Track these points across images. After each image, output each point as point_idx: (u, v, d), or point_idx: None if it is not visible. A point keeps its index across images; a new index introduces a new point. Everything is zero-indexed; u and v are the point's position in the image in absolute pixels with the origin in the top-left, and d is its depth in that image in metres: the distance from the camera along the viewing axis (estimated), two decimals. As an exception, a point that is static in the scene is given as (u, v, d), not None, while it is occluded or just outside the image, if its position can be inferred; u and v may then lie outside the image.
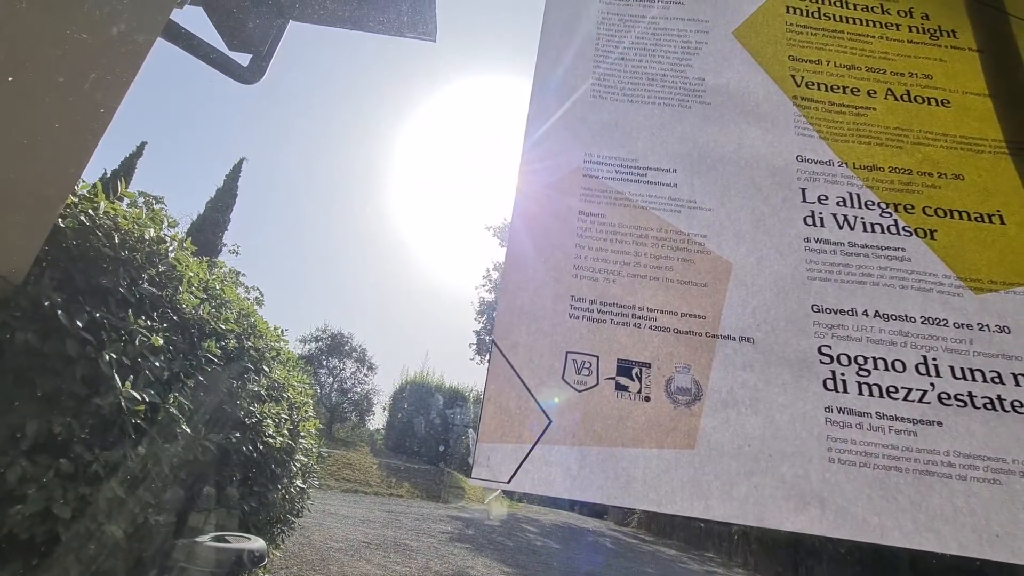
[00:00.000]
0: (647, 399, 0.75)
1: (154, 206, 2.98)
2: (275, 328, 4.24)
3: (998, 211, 0.88)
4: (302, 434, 4.14)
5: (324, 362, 19.24)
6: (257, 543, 2.70)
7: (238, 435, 3.02)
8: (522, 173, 0.89)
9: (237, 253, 6.56)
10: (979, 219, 0.87)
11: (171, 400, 2.49)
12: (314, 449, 4.60)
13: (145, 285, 2.55)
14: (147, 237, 2.66)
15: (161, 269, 2.76)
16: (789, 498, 0.69)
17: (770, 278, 0.83)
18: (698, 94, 0.97)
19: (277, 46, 3.40)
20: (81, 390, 2.08)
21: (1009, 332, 0.78)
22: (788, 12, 1.06)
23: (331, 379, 19.42)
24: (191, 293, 2.92)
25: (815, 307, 0.81)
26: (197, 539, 2.58)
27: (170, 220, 2.96)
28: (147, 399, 2.30)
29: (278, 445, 3.46)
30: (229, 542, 2.60)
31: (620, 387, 0.75)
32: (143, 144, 14.59)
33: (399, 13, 3.17)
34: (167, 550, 2.57)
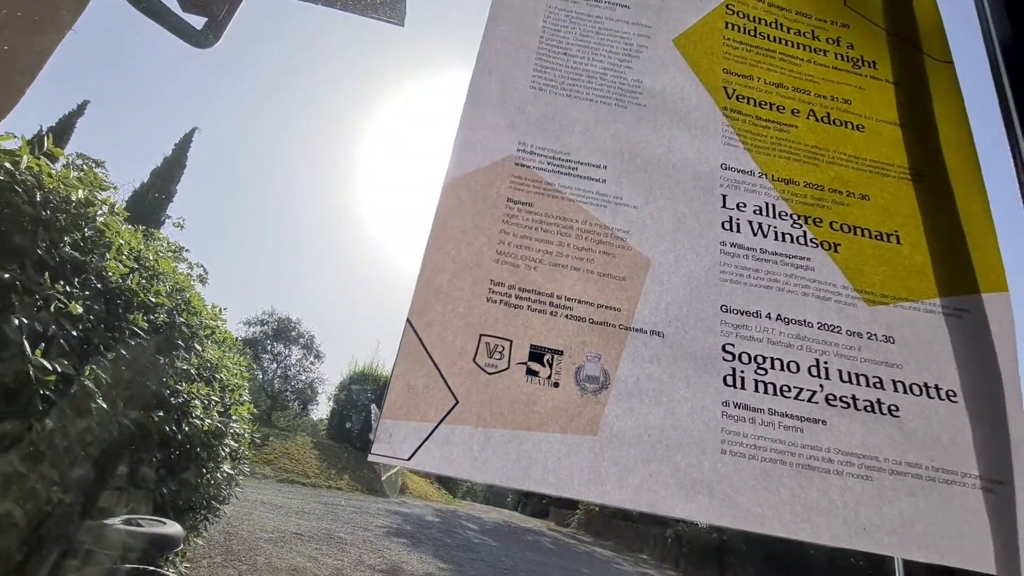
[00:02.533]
0: (556, 385, 0.76)
1: (94, 169, 2.80)
2: (213, 306, 4.06)
3: (896, 231, 0.94)
4: (234, 418, 3.98)
5: (268, 347, 18.57)
6: (173, 527, 2.57)
7: (161, 414, 2.87)
8: (454, 155, 0.89)
9: (182, 227, 6.22)
10: (879, 237, 0.93)
11: (87, 372, 2.34)
12: (247, 435, 4.43)
13: (67, 249, 2.39)
14: (74, 199, 2.49)
15: (87, 234, 2.59)
16: (681, 486, 0.72)
17: (685, 277, 0.86)
18: (634, 95, 0.99)
19: (235, 12, 3.25)
20: (-18, 355, 1.93)
21: (894, 343, 0.84)
22: (727, 27, 1.10)
23: (275, 365, 18.76)
24: (119, 261, 2.75)
25: (724, 307, 0.84)
26: (106, 521, 2.44)
27: (109, 185, 2.78)
28: (59, 369, 2.15)
29: (205, 428, 3.32)
30: (141, 526, 2.47)
31: (531, 372, 0.76)
32: (85, 103, 13.71)
33: (365, -8, 3.10)
34: (72, 532, 2.41)
